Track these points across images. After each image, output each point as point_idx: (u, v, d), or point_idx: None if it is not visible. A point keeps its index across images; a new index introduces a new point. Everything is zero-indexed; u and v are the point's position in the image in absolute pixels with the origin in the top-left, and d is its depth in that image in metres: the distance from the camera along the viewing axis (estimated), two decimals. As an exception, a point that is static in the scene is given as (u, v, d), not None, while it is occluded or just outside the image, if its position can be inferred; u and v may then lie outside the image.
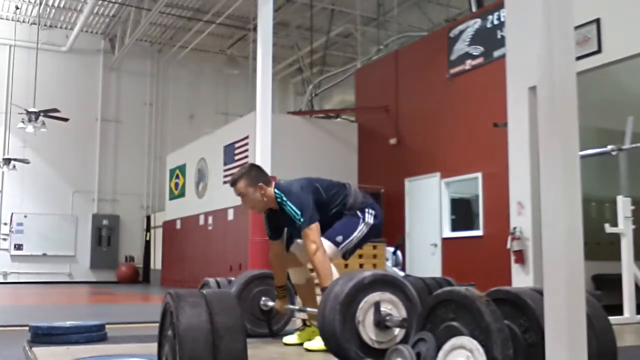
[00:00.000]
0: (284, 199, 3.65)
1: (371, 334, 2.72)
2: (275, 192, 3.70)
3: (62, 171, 18.28)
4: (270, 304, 4.06)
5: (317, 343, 3.53)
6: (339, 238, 3.64)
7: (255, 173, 3.75)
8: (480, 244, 10.16)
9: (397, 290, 2.84)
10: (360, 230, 3.69)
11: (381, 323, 2.73)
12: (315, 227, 3.57)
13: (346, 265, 5.16)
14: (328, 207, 3.73)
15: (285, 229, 3.94)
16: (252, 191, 3.70)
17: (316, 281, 4.10)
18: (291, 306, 4.01)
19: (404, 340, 2.73)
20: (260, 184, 3.71)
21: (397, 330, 2.77)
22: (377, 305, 2.75)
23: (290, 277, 4.00)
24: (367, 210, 3.77)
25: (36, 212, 18.03)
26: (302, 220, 3.56)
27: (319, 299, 4.05)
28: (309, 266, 3.91)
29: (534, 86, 2.41)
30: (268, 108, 8.62)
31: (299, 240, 3.83)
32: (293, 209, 3.59)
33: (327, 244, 3.61)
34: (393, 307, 2.79)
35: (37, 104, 14.90)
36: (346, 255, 3.72)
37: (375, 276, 2.81)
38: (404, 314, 2.80)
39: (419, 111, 12.09)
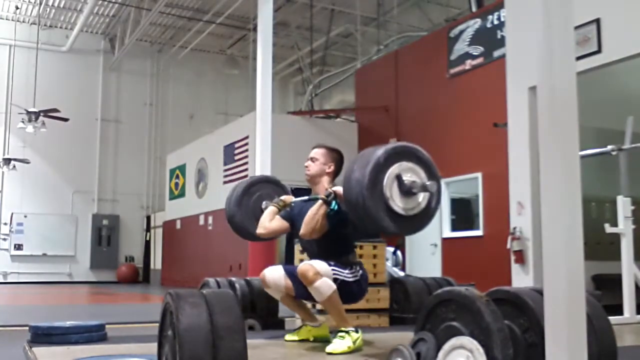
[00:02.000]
0: (338, 207, 3.58)
1: (400, 204, 2.92)
2: (334, 206, 3.63)
3: (62, 171, 18.28)
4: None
5: (339, 346, 3.50)
6: (331, 262, 3.61)
7: (338, 158, 3.90)
8: (480, 244, 10.16)
9: (411, 158, 3.01)
10: (345, 274, 3.61)
11: (408, 192, 2.92)
12: None
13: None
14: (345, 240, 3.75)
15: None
16: (322, 162, 3.86)
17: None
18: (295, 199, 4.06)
19: (430, 201, 3.01)
20: (332, 166, 3.83)
21: (421, 195, 2.98)
22: (398, 177, 2.92)
23: (272, 295, 3.98)
24: (355, 267, 3.70)
25: (36, 212, 18.03)
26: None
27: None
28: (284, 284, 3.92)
29: (534, 86, 2.41)
30: (268, 108, 8.60)
31: (272, 272, 3.83)
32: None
33: (319, 263, 3.57)
34: (412, 173, 2.96)
35: (37, 104, 14.90)
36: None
37: (388, 152, 2.96)
38: (423, 176, 2.99)
39: (419, 111, 12.09)
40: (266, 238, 4.11)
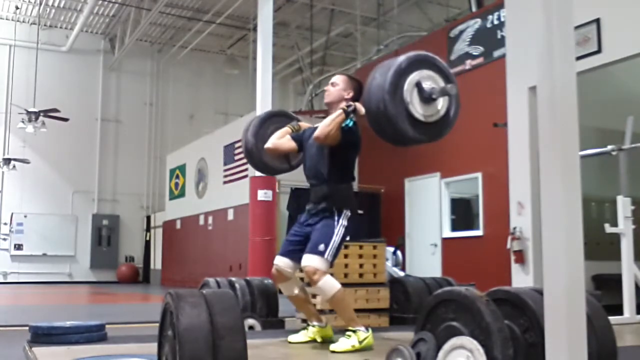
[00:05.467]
0: (354, 126, 3.72)
1: (420, 110, 2.96)
2: (350, 123, 3.74)
3: (62, 171, 18.28)
4: None
5: (343, 345, 3.49)
6: (322, 247, 3.57)
7: (357, 87, 3.85)
8: (480, 244, 10.15)
9: (430, 66, 3.04)
10: (337, 234, 3.63)
11: (428, 98, 2.96)
12: None
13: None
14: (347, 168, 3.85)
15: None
16: (342, 88, 3.83)
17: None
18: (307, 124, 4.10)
19: (448, 109, 3.08)
20: (351, 93, 3.81)
21: (440, 102, 3.03)
22: (418, 84, 2.95)
23: (283, 292, 3.95)
24: (344, 211, 3.71)
25: (36, 212, 18.03)
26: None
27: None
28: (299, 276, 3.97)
29: (534, 86, 2.41)
30: (268, 108, 8.61)
31: (284, 262, 3.81)
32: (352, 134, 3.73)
33: (313, 258, 3.55)
34: (432, 82, 3.00)
35: (37, 104, 14.90)
36: (332, 262, 3.64)
37: (410, 58, 2.99)
38: (441, 84, 3.03)
39: (419, 111, 12.08)
40: (274, 156, 4.09)
